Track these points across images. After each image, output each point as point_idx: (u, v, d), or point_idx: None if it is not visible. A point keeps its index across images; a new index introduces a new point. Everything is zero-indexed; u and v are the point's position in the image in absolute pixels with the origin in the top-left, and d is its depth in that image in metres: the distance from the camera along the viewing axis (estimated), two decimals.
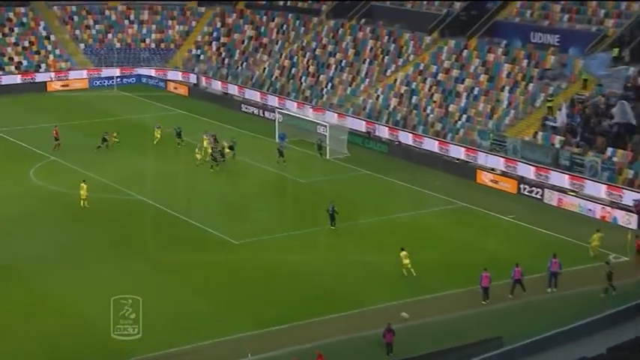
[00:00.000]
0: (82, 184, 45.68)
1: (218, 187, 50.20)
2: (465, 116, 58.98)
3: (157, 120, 65.31)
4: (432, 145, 56.64)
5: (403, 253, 37.27)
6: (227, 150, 53.67)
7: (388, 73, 66.98)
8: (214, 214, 44.99)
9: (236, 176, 52.20)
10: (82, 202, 45.29)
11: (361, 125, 62.02)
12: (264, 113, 68.41)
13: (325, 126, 58.21)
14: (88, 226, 43.23)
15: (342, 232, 42.44)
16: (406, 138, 58.37)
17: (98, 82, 79.08)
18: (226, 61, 79.57)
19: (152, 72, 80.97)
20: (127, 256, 38.77)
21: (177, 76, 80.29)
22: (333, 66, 70.65)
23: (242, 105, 70.90)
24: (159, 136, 57.66)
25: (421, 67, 64.97)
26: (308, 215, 44.52)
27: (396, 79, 65.53)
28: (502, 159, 52.11)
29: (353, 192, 49.86)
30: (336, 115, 62.99)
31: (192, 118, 67.66)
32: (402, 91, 63.90)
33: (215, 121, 66.06)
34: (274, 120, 62.74)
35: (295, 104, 66.80)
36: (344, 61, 70.46)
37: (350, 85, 67.91)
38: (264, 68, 75.40)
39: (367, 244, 40.98)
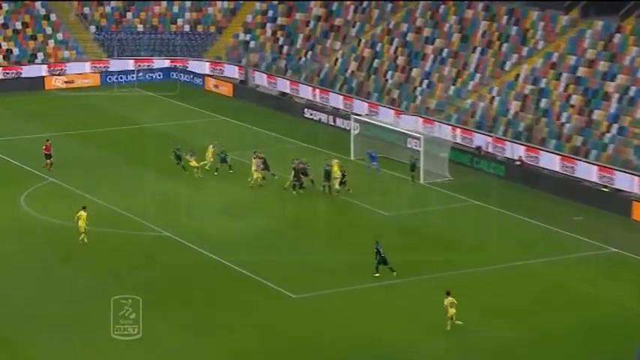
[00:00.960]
0: (82, 212, 46.14)
1: (272, 221, 50.23)
2: (615, 126, 58.01)
3: (190, 129, 65.86)
4: (587, 171, 55.81)
5: (449, 299, 37.50)
6: (337, 177, 52.51)
7: (507, 66, 66.47)
8: (266, 258, 45.00)
9: (299, 207, 52.18)
10: (81, 236, 45.86)
11: (469, 138, 61.84)
12: (335, 121, 68.56)
13: (418, 139, 57.93)
14: (94, 272, 43.53)
15: (437, 284, 41.88)
16: (550, 161, 57.53)
17: (113, 78, 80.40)
18: (285, 49, 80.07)
19: (185, 64, 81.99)
20: (147, 315, 38.86)
21: (220, 69, 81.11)
22: (431, 57, 70.41)
23: (305, 109, 71.25)
24: (211, 158, 56.95)
25: (554, 59, 64.32)
26: (391, 261, 44.14)
27: (518, 75, 64.97)
28: None
29: (454, 230, 49.38)
30: (449, 128, 62.57)
31: (236, 126, 68.08)
32: (527, 92, 63.34)
33: (268, 130, 66.37)
34: (349, 130, 62.68)
35: (392, 112, 66.38)
36: (446, 49, 70.15)
37: (454, 84, 67.57)
38: (337, 60, 75.55)
39: (473, 302, 40.36)
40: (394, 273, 42.33)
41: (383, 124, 62.47)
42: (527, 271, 44.18)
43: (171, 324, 38.44)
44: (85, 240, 45.73)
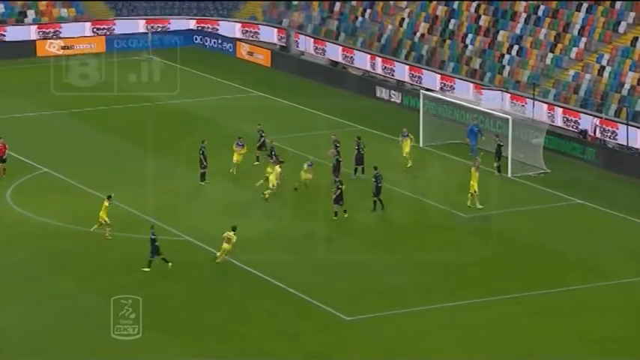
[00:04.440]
0: (105, 203, 47.48)
1: (318, 225, 50.29)
2: None
3: (217, 108, 66.00)
4: None
5: (228, 233, 44.35)
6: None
7: (622, 27, 66.07)
8: (316, 271, 45.21)
9: (353, 208, 52.04)
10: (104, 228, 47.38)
11: (571, 120, 61.73)
12: (402, 99, 68.69)
13: (506, 120, 57.83)
14: (97, 284, 43.80)
15: (529, 305, 41.77)
16: None
17: (122, 43, 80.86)
18: (337, 7, 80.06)
19: (211, 25, 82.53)
20: (164, 345, 39.16)
21: (257, 32, 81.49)
22: (523, 16, 70.20)
23: (361, 83, 71.27)
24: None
25: None
26: (469, 276, 44.06)
27: (636, 39, 64.55)
28: None
29: (550, 237, 49.19)
30: (545, 107, 62.13)
31: (275, 104, 68.28)
32: None
33: (313, 109, 66.56)
34: (418, 111, 62.71)
35: (472, 86, 66.07)
36: (542, 6, 69.85)
37: (552, 50, 67.32)
38: (402, 20, 75.49)
39: (575, 327, 40.25)
40: (169, 264, 44.43)
41: (460, 102, 62.69)
42: None
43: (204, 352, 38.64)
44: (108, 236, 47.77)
